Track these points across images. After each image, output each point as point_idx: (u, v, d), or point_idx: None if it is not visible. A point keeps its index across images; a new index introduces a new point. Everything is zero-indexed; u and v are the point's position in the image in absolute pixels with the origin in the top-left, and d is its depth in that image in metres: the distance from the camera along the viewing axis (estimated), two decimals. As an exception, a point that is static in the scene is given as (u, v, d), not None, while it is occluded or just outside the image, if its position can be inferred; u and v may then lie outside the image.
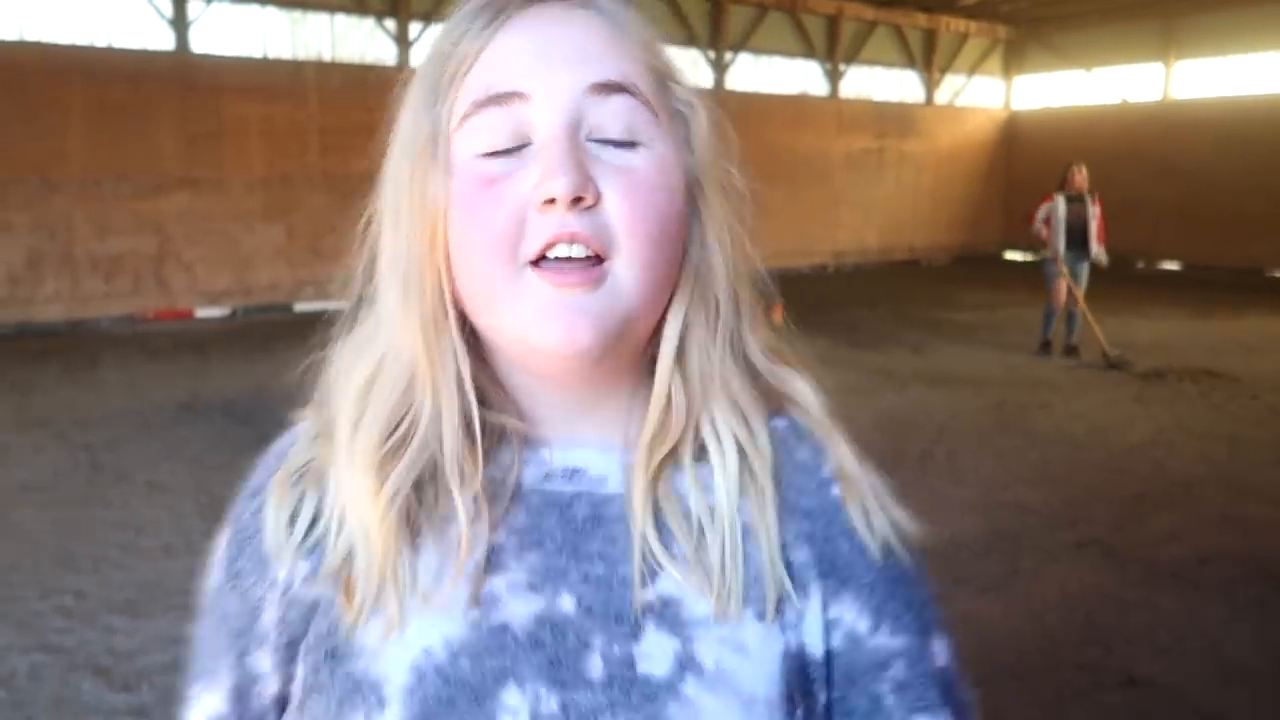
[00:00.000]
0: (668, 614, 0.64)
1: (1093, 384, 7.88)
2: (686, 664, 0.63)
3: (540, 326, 0.61)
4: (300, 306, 11.81)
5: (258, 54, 11.93)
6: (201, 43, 11.45)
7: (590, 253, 0.61)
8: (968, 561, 4.15)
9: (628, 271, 0.62)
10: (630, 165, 0.63)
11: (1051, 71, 18.79)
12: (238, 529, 0.70)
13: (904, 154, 17.99)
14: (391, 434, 0.64)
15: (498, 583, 0.64)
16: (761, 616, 0.65)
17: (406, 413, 0.65)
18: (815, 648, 0.67)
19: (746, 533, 0.66)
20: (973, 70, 18.88)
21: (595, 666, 0.63)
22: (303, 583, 0.66)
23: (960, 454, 5.82)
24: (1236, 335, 10.24)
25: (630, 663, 0.63)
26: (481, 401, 0.66)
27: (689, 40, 15.03)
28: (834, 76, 16.98)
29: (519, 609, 0.64)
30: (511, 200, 0.61)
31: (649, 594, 0.64)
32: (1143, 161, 16.29)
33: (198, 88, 11.14)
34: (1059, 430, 6.42)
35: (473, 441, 0.65)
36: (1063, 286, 8.69)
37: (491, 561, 0.65)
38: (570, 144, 0.61)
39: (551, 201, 0.60)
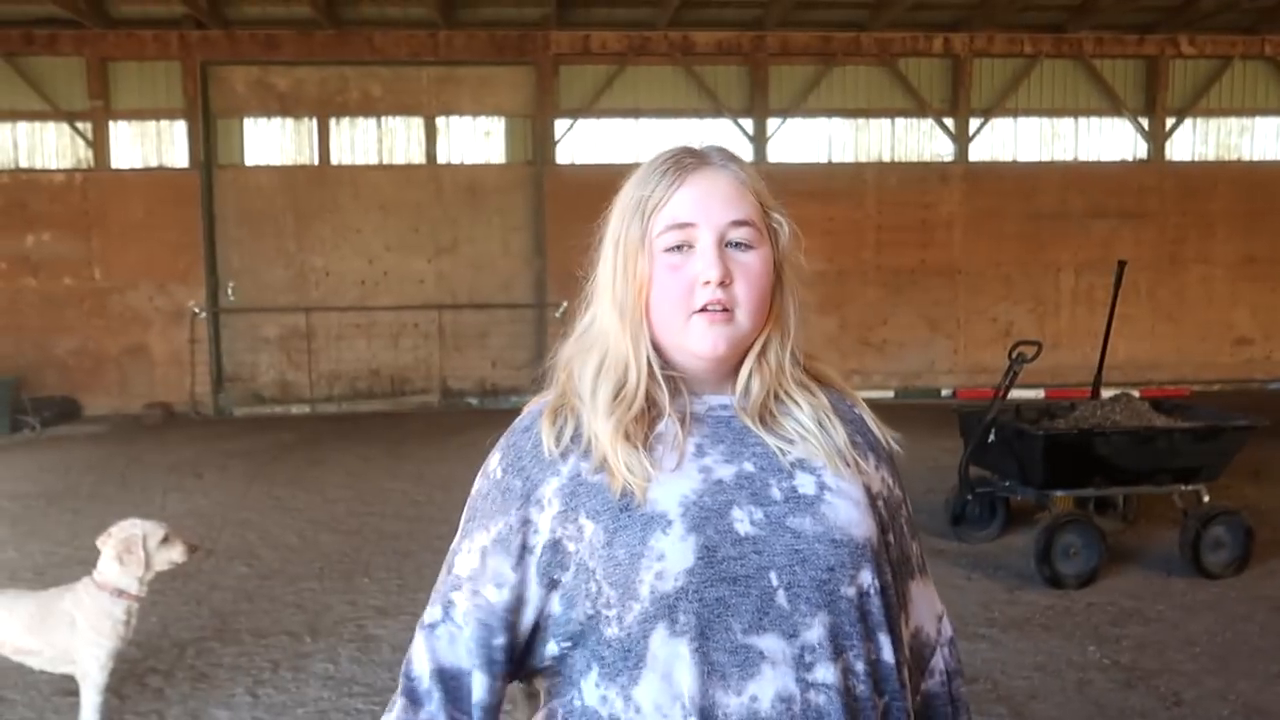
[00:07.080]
0: (803, 465, 1.22)
1: None
2: (823, 486, 1.21)
3: (700, 343, 1.20)
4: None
5: (823, 159, 12.96)
6: (777, 153, 12.77)
7: (725, 308, 1.19)
8: None
9: (743, 317, 1.21)
10: (748, 263, 1.21)
11: None
12: (514, 448, 1.24)
13: None
14: (617, 394, 1.20)
15: (706, 461, 1.20)
16: (847, 466, 1.23)
17: (624, 381, 1.21)
18: (873, 490, 1.25)
19: (822, 425, 1.24)
20: None
21: (776, 493, 1.19)
22: (589, 473, 1.19)
23: None
24: None
25: (795, 489, 1.20)
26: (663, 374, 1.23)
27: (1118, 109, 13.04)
28: None
29: (725, 471, 1.20)
30: (686, 279, 1.19)
31: (789, 458, 1.22)
32: None
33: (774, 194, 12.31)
34: None
35: (662, 390, 1.21)
36: None
37: (698, 452, 1.21)
38: (718, 252, 1.19)
39: (708, 283, 1.18)
